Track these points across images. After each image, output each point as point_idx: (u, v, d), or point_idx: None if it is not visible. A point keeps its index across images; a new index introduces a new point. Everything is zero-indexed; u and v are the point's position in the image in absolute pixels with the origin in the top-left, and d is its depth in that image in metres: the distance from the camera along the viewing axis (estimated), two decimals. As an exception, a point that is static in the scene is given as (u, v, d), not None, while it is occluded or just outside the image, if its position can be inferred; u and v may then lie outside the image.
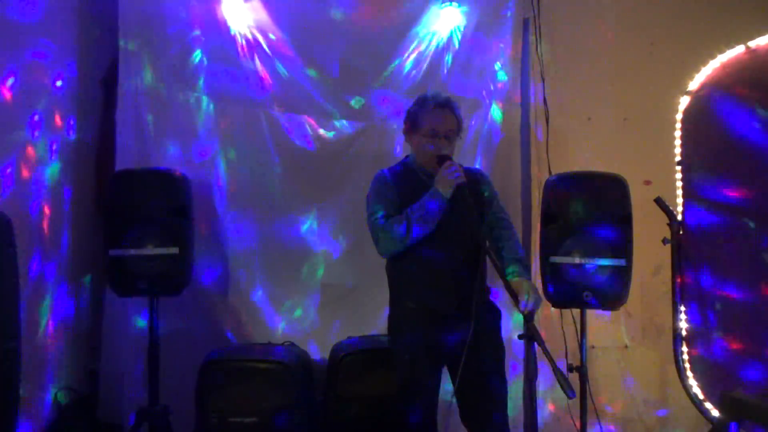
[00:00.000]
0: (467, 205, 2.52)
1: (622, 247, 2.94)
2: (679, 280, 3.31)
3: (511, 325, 3.49)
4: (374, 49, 3.72)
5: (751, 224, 3.21)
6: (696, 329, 3.30)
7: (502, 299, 2.94)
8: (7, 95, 2.83)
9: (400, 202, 2.64)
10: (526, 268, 2.68)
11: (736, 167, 3.27)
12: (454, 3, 3.68)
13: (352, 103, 3.75)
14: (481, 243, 2.58)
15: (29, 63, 2.99)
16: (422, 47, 3.76)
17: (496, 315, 2.76)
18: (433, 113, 2.68)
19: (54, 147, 3.17)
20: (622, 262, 2.93)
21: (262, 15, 3.59)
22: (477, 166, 3.73)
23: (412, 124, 2.73)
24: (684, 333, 3.33)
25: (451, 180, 2.55)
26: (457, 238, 2.62)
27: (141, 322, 3.35)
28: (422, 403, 2.64)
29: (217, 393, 3.09)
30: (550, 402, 3.66)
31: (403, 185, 2.69)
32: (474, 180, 2.75)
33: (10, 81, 2.83)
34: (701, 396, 3.30)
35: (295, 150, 3.68)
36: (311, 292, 3.70)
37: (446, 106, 2.70)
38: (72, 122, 3.34)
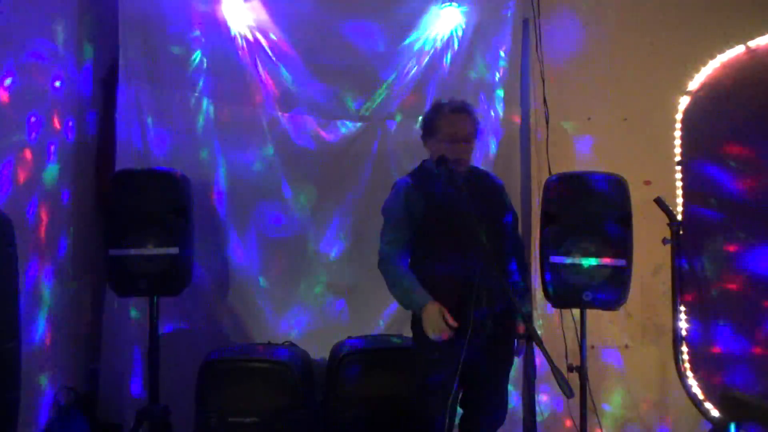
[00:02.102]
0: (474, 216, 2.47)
1: (622, 247, 2.93)
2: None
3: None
4: (375, 49, 3.72)
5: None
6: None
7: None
8: (5, 96, 2.82)
9: (426, 205, 2.63)
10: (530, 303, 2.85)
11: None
12: (454, 3, 3.68)
13: (353, 103, 3.75)
14: (498, 250, 2.58)
15: (28, 63, 2.98)
16: (423, 47, 3.75)
17: (513, 320, 2.70)
18: (449, 118, 2.67)
19: (53, 148, 3.17)
20: (622, 262, 2.92)
21: (262, 15, 3.60)
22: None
23: (428, 129, 2.72)
24: (684, 333, 3.33)
25: (429, 334, 2.47)
26: (473, 245, 2.51)
27: (141, 322, 3.35)
28: (443, 405, 2.55)
29: (217, 393, 3.09)
30: (550, 402, 3.65)
31: (428, 189, 2.67)
32: (494, 188, 2.82)
33: (7, 81, 2.82)
34: (701, 396, 3.31)
35: (296, 150, 3.69)
36: (311, 292, 3.71)
37: (462, 110, 2.70)
38: (72, 123, 3.33)
